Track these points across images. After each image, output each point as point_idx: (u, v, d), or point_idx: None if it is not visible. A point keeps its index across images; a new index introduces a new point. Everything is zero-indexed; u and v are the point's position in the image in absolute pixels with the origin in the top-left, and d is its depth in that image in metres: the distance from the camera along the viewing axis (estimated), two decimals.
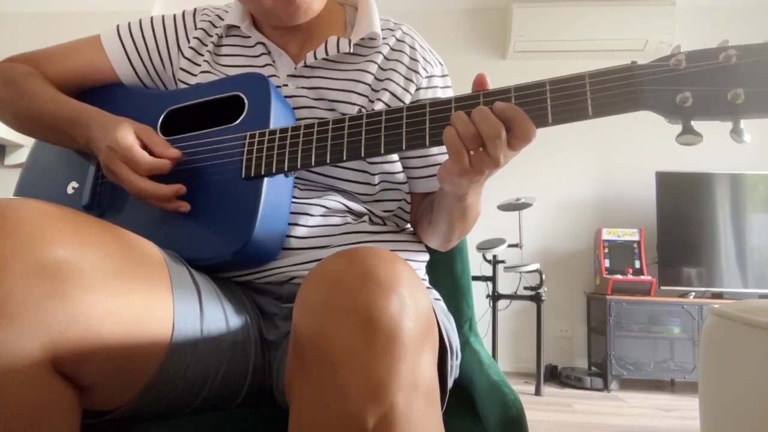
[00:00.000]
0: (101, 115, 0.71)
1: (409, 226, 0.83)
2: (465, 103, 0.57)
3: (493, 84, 0.59)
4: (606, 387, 2.76)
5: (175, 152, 0.67)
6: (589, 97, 0.52)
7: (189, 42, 0.81)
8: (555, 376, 3.03)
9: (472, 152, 0.57)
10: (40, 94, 0.75)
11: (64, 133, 0.73)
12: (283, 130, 0.65)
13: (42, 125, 0.76)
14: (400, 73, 0.77)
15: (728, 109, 0.48)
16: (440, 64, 0.83)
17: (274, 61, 0.77)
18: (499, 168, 0.58)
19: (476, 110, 0.55)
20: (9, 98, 0.77)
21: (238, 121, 0.68)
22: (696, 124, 0.50)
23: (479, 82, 0.58)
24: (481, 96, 0.57)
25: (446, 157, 0.77)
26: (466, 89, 0.59)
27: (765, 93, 0.47)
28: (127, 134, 0.65)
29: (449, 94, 0.82)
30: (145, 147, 0.66)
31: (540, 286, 2.67)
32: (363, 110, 0.73)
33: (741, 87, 0.47)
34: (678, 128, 0.51)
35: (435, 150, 0.77)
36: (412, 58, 0.78)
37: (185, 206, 0.66)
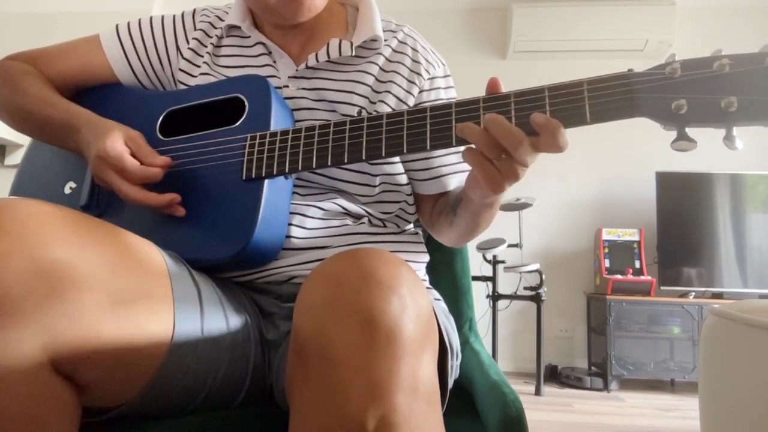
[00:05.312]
0: (93, 120, 0.70)
1: (410, 227, 0.83)
2: (465, 107, 0.57)
3: None
4: (606, 387, 2.77)
5: (163, 159, 0.66)
6: (587, 103, 0.53)
7: (188, 43, 0.81)
8: (555, 376, 3.03)
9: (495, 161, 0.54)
10: (35, 95, 0.75)
11: (56, 135, 0.73)
12: (285, 132, 0.65)
13: (36, 125, 0.76)
14: (402, 76, 0.77)
15: (722, 117, 0.49)
16: (442, 64, 0.83)
17: (274, 62, 0.77)
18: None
19: (489, 119, 0.53)
20: (6, 97, 0.77)
21: (238, 123, 0.68)
22: (691, 129, 0.51)
23: (492, 85, 0.57)
24: (480, 101, 0.57)
25: (448, 158, 0.77)
26: (466, 90, 0.59)
27: (757, 101, 0.48)
28: (117, 143, 0.64)
29: (452, 94, 0.82)
30: (133, 155, 0.66)
31: (540, 286, 2.67)
32: (363, 111, 0.73)
33: (734, 95, 0.48)
34: (674, 133, 0.52)
35: (438, 153, 0.77)
36: (414, 61, 0.78)
37: (180, 211, 0.66)
